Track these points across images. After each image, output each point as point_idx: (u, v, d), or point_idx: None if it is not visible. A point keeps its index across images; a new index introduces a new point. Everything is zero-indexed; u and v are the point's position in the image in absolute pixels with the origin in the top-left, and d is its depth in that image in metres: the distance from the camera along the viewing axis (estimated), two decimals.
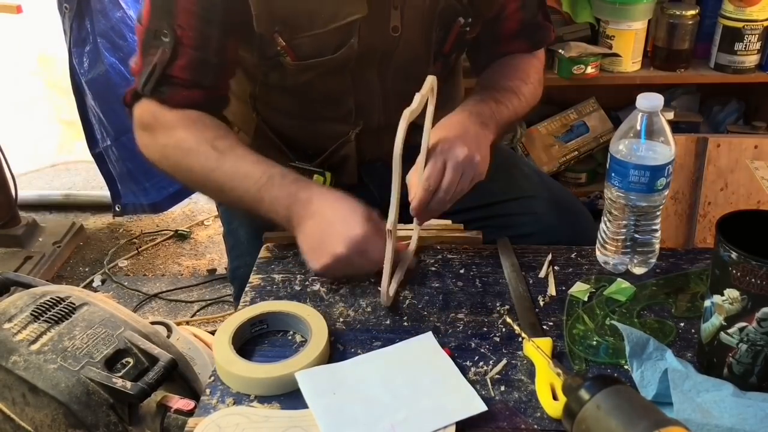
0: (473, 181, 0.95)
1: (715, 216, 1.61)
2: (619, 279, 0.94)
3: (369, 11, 1.00)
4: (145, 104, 1.04)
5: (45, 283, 1.31)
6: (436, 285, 0.96)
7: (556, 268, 0.98)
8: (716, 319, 0.75)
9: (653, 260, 0.96)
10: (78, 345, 1.12)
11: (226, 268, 2.05)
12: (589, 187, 2.17)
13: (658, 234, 0.94)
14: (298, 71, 1.06)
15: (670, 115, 1.98)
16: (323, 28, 1.00)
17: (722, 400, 0.71)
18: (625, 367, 0.80)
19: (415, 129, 1.19)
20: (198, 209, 2.69)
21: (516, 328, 0.83)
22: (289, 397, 0.78)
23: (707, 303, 0.76)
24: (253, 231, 1.11)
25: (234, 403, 0.77)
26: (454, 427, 0.72)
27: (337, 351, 0.84)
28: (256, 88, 1.16)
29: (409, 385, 0.77)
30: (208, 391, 0.80)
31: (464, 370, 0.80)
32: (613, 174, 0.90)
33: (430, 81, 0.92)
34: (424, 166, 0.92)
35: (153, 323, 1.36)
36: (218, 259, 2.38)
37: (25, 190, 2.63)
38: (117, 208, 2.35)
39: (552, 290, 0.93)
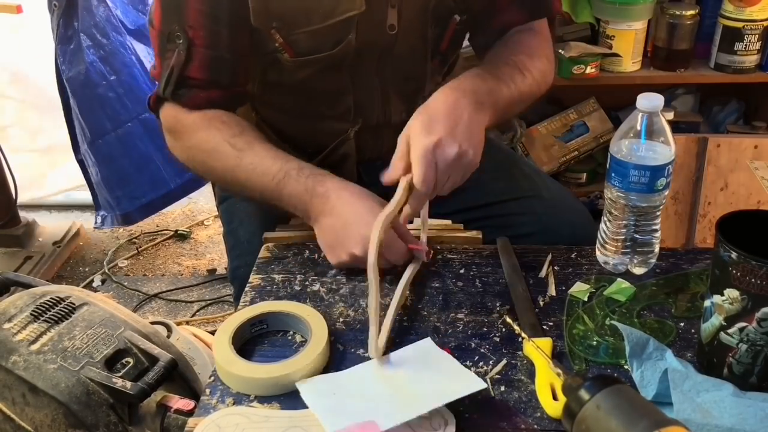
0: (465, 176, 0.93)
1: (715, 216, 1.62)
2: (619, 279, 0.94)
3: (366, 8, 1.00)
4: (168, 108, 1.06)
5: (45, 283, 1.31)
6: (436, 285, 0.96)
7: (556, 268, 0.98)
8: (716, 319, 0.75)
9: (653, 260, 0.96)
10: (78, 345, 1.12)
11: (226, 268, 2.05)
12: (589, 187, 2.17)
13: (658, 234, 0.94)
14: (295, 68, 1.07)
15: (670, 115, 1.98)
16: (320, 24, 1.01)
17: (722, 400, 0.71)
18: (625, 367, 0.80)
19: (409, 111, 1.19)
20: (198, 209, 2.69)
21: (516, 328, 0.83)
22: (289, 397, 0.78)
23: (707, 303, 0.76)
24: (253, 231, 1.11)
25: (234, 403, 0.77)
26: (454, 425, 0.72)
27: (337, 351, 0.84)
28: (255, 87, 1.16)
29: (412, 388, 0.77)
30: (208, 391, 0.80)
31: None
32: (613, 174, 0.90)
33: (406, 180, 0.89)
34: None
35: (153, 323, 1.36)
36: (218, 259, 2.38)
37: (25, 190, 2.63)
38: (97, 221, 2.28)
39: (552, 290, 0.93)
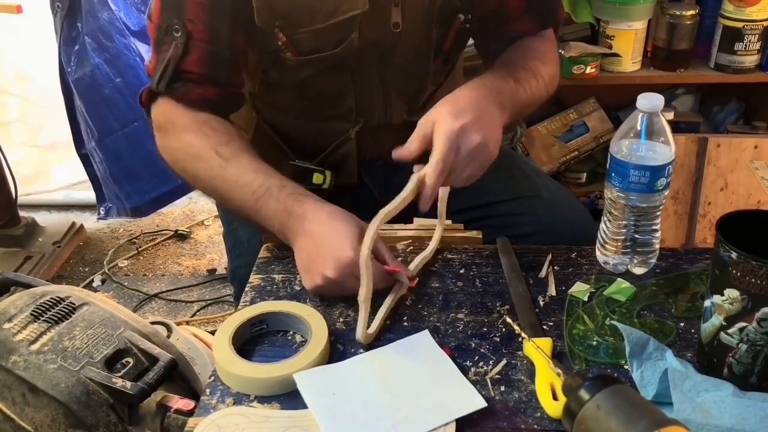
0: (482, 168, 0.93)
1: (715, 216, 1.62)
2: (619, 279, 0.94)
3: (370, 7, 1.00)
4: (160, 105, 1.03)
5: (45, 283, 1.31)
6: (436, 285, 0.96)
7: (556, 268, 0.98)
8: (716, 319, 0.75)
9: (653, 260, 0.96)
10: (78, 345, 1.12)
11: (226, 268, 2.05)
12: (589, 187, 2.17)
13: (658, 234, 0.94)
14: (298, 67, 1.06)
15: (670, 115, 1.98)
16: (324, 23, 1.01)
17: (722, 400, 0.71)
18: (625, 367, 0.80)
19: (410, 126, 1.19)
20: (198, 209, 2.69)
21: (516, 328, 0.83)
22: (289, 397, 0.78)
23: (707, 303, 0.76)
24: (253, 231, 1.11)
25: (234, 403, 0.77)
26: (454, 425, 0.72)
27: (337, 351, 0.84)
28: (256, 87, 1.16)
29: (408, 384, 0.77)
30: (208, 391, 0.80)
31: (464, 370, 0.80)
32: (613, 174, 0.90)
33: (416, 177, 0.89)
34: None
35: (153, 323, 1.36)
36: (218, 259, 2.38)
37: (26, 190, 2.63)
38: (101, 212, 2.33)
39: (552, 290, 0.93)
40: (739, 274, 0.71)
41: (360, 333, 0.84)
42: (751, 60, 1.90)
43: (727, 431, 0.68)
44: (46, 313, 1.16)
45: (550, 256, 0.99)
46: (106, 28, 2.06)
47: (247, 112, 1.19)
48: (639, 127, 0.88)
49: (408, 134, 1.23)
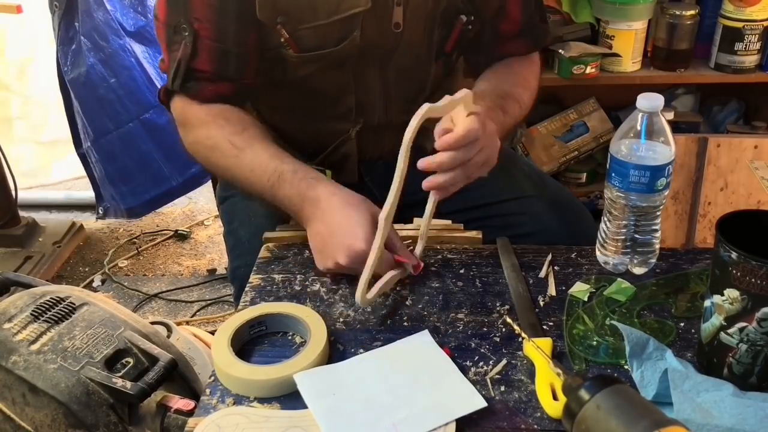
0: (484, 167, 0.95)
1: (715, 216, 1.62)
2: (619, 279, 0.94)
3: (372, 5, 1.00)
4: (177, 101, 1.07)
5: (45, 283, 1.31)
6: (436, 285, 0.96)
7: (556, 268, 0.98)
8: (716, 319, 0.75)
9: (653, 260, 0.96)
10: (78, 345, 1.12)
11: (226, 268, 2.05)
12: (589, 187, 2.17)
13: (658, 234, 0.94)
14: (299, 64, 1.07)
15: (670, 115, 1.98)
16: (326, 19, 1.01)
17: (722, 400, 0.71)
18: (625, 367, 0.80)
19: (421, 131, 1.19)
20: (198, 209, 2.69)
21: (516, 328, 0.83)
22: (289, 397, 0.78)
23: (707, 303, 0.76)
24: (254, 231, 1.11)
25: (234, 403, 0.77)
26: (454, 425, 0.72)
27: (336, 351, 0.84)
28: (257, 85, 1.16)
29: (408, 384, 0.77)
30: (208, 391, 0.80)
31: (464, 370, 0.80)
32: (613, 174, 0.90)
33: (465, 92, 0.91)
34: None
35: (153, 323, 1.36)
36: (218, 259, 2.38)
37: (25, 190, 2.63)
38: (99, 211, 2.34)
39: (552, 290, 0.93)
40: (739, 274, 0.71)
41: (359, 295, 0.86)
42: (751, 60, 1.90)
43: (727, 431, 0.68)
44: (46, 313, 1.16)
45: (550, 256, 0.99)
46: (102, 28, 2.06)
47: (248, 112, 1.19)
48: (639, 127, 0.88)
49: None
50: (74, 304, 1.19)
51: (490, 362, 0.82)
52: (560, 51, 1.89)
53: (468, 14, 1.09)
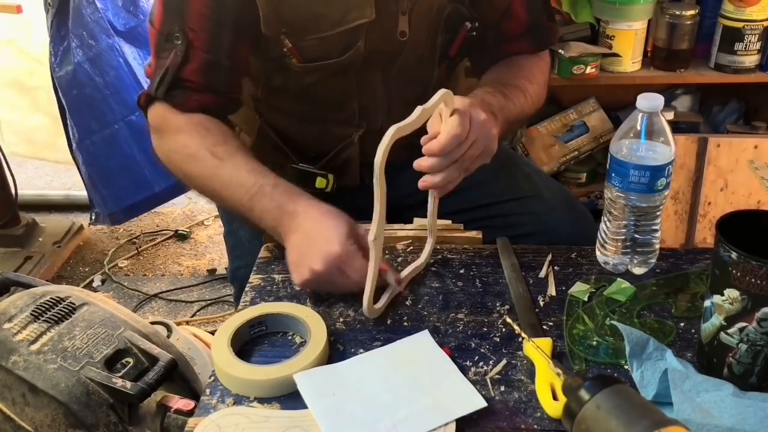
0: (482, 157, 0.93)
1: (715, 216, 1.62)
2: (619, 279, 0.94)
3: (377, 16, 1.00)
4: (157, 107, 1.04)
5: (45, 283, 1.31)
6: (436, 285, 0.96)
7: (556, 268, 0.98)
8: (716, 319, 0.75)
9: (653, 260, 0.96)
10: (78, 345, 1.12)
11: (226, 268, 2.05)
12: (589, 187, 2.17)
13: (658, 234, 0.94)
14: (303, 73, 1.06)
15: (670, 115, 1.98)
16: (330, 31, 1.00)
17: (722, 400, 0.71)
18: (625, 367, 0.80)
19: (417, 131, 1.19)
20: (198, 209, 2.69)
21: (516, 328, 0.83)
22: (289, 397, 0.78)
23: (707, 303, 0.76)
24: (254, 231, 1.11)
25: (234, 403, 0.77)
26: (454, 425, 0.72)
27: (336, 351, 0.84)
28: (259, 91, 1.16)
29: (408, 384, 0.77)
30: (208, 391, 0.80)
31: (464, 370, 0.80)
32: (613, 174, 0.90)
33: (441, 94, 0.89)
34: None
35: (153, 323, 1.36)
36: (218, 259, 2.38)
37: (25, 190, 2.63)
38: (92, 216, 2.29)
39: (552, 290, 0.93)
40: (739, 274, 0.71)
41: (366, 307, 0.86)
42: (751, 60, 1.90)
43: (727, 431, 0.68)
44: (46, 313, 1.16)
45: (550, 256, 0.99)
46: (91, 26, 2.02)
47: (250, 116, 1.19)
48: (639, 127, 0.88)
49: (410, 135, 1.23)
50: (74, 304, 1.19)
51: (490, 362, 0.82)
52: (560, 51, 1.89)
53: (472, 20, 1.08)
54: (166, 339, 1.29)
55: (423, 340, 0.84)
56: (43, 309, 1.16)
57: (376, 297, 0.88)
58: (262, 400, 0.78)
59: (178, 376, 1.18)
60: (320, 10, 0.99)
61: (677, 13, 1.87)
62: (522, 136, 2.09)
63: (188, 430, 0.74)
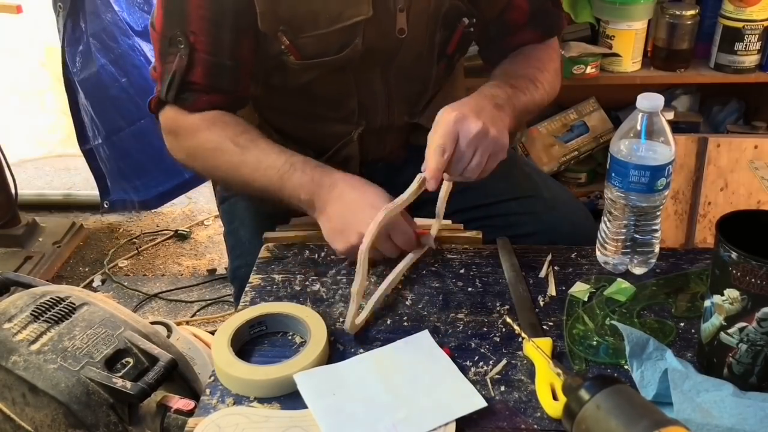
0: (494, 158, 0.93)
1: (715, 216, 1.62)
2: (619, 279, 0.94)
3: (374, 13, 1.00)
4: (168, 111, 1.07)
5: (45, 283, 1.31)
6: (436, 285, 0.96)
7: (556, 268, 0.98)
8: (716, 319, 0.75)
9: (653, 260, 0.96)
10: (78, 345, 1.12)
11: (226, 268, 2.05)
12: (589, 187, 2.17)
13: (658, 234, 0.94)
14: (301, 71, 1.06)
15: (670, 115, 1.98)
16: (327, 28, 1.01)
17: (722, 400, 0.71)
18: (625, 367, 0.80)
19: (417, 129, 1.20)
20: (198, 209, 2.69)
21: (516, 328, 0.83)
22: (290, 397, 0.78)
23: (707, 303, 0.76)
24: (254, 231, 1.11)
25: (234, 403, 0.77)
26: (454, 425, 0.72)
27: (337, 351, 0.84)
28: (259, 89, 1.16)
29: (408, 384, 0.77)
30: (208, 391, 0.80)
31: (464, 370, 0.80)
32: (613, 174, 0.90)
33: (419, 177, 0.92)
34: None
35: (153, 323, 1.36)
36: (218, 259, 2.38)
37: (25, 190, 2.63)
38: (105, 205, 2.37)
39: (552, 290, 0.93)
40: (739, 274, 0.71)
41: (348, 323, 0.86)
42: (751, 60, 1.90)
43: (727, 431, 0.68)
44: (46, 313, 1.16)
45: (550, 256, 0.99)
46: (110, 29, 2.07)
47: (249, 114, 1.19)
48: (639, 127, 0.88)
49: (410, 136, 1.23)
50: (74, 304, 1.19)
51: (490, 362, 0.82)
52: (560, 51, 1.89)
53: (470, 16, 1.09)
54: (166, 339, 1.29)
55: (423, 340, 0.84)
56: (43, 309, 1.16)
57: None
58: (262, 400, 0.78)
59: (178, 376, 1.18)
60: (317, 7, 0.99)
61: (677, 13, 1.87)
62: (522, 136, 2.09)
63: (188, 430, 0.74)
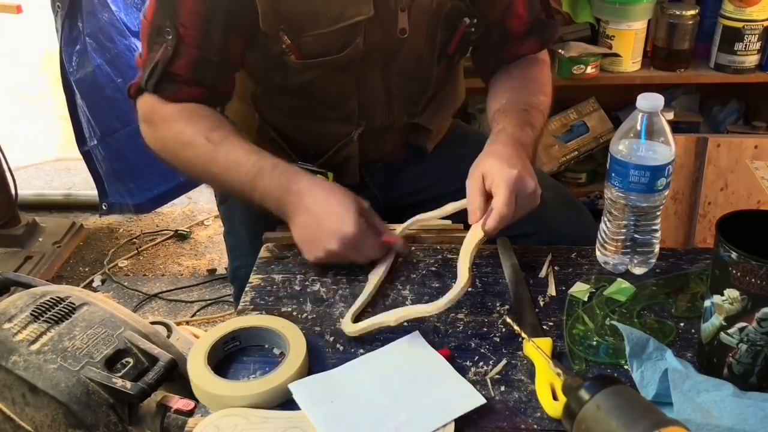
0: (528, 213, 0.95)
1: (715, 216, 1.61)
2: (619, 279, 0.94)
3: (375, 12, 1.00)
4: (146, 98, 1.05)
5: (45, 283, 1.31)
6: (436, 285, 0.96)
7: (556, 268, 0.98)
8: (716, 319, 0.75)
9: (653, 260, 0.96)
10: (78, 345, 1.12)
11: (226, 268, 2.05)
12: (589, 187, 2.17)
13: (658, 234, 0.94)
14: (301, 70, 1.06)
15: (670, 115, 1.98)
16: (328, 27, 1.01)
17: (722, 400, 0.71)
18: (625, 367, 0.80)
19: (417, 129, 1.20)
20: (198, 209, 2.69)
21: (516, 328, 0.83)
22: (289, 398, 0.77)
23: (707, 303, 0.76)
24: (254, 231, 1.11)
25: None
26: (453, 425, 0.72)
27: (337, 351, 0.84)
28: (258, 89, 1.16)
29: (405, 386, 0.77)
30: None
31: (464, 370, 0.80)
32: (613, 174, 0.90)
33: (477, 227, 0.92)
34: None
35: (153, 323, 1.36)
36: (218, 259, 2.38)
37: (25, 190, 2.64)
38: (104, 207, 2.36)
39: (552, 290, 0.93)
40: (739, 274, 0.71)
41: (346, 324, 0.87)
42: (751, 60, 1.90)
43: (727, 431, 0.68)
44: (46, 313, 1.16)
45: (550, 256, 0.99)
46: (107, 28, 2.07)
47: (249, 114, 1.19)
48: (639, 127, 0.88)
49: (410, 136, 1.23)
50: (74, 304, 1.19)
51: (490, 362, 0.82)
52: (560, 51, 1.89)
53: (471, 17, 1.08)
54: (166, 339, 1.29)
55: (414, 341, 0.84)
56: (43, 309, 1.16)
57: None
58: None
59: (178, 376, 1.18)
60: (318, 6, 0.99)
61: (677, 13, 1.87)
62: None
63: (188, 430, 0.74)
